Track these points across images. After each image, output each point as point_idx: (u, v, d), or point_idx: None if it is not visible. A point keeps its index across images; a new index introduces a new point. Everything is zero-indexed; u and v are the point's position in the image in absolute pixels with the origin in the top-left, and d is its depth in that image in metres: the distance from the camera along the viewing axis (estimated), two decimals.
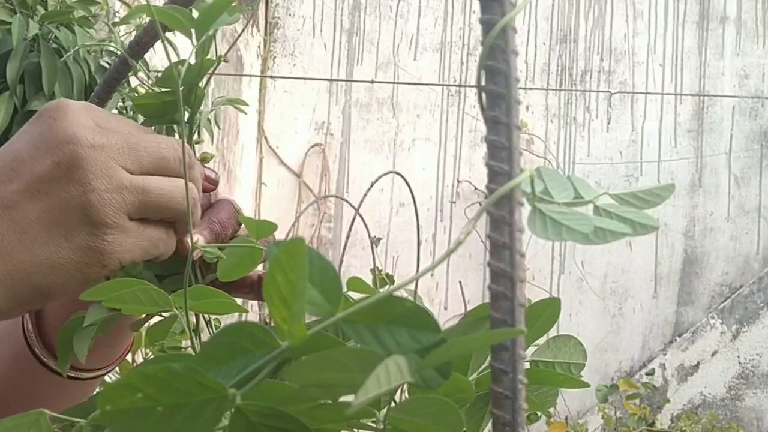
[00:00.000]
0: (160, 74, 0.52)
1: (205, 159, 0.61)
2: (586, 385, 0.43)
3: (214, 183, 0.62)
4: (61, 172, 0.48)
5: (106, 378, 0.69)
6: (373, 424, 0.36)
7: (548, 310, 0.39)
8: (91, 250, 0.48)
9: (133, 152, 0.50)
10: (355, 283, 0.51)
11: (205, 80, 0.55)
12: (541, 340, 0.42)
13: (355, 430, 0.37)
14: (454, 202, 5.14)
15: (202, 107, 0.57)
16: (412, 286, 0.62)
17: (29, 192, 0.48)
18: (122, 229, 0.49)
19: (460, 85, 5.18)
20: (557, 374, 0.42)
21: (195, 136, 0.59)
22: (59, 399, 0.63)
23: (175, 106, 0.54)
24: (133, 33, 2.50)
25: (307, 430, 0.28)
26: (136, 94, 2.34)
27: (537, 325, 0.40)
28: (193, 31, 0.50)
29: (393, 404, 0.33)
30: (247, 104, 0.71)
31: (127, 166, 0.50)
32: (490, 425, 0.28)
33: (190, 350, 0.52)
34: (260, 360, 0.29)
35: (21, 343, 0.63)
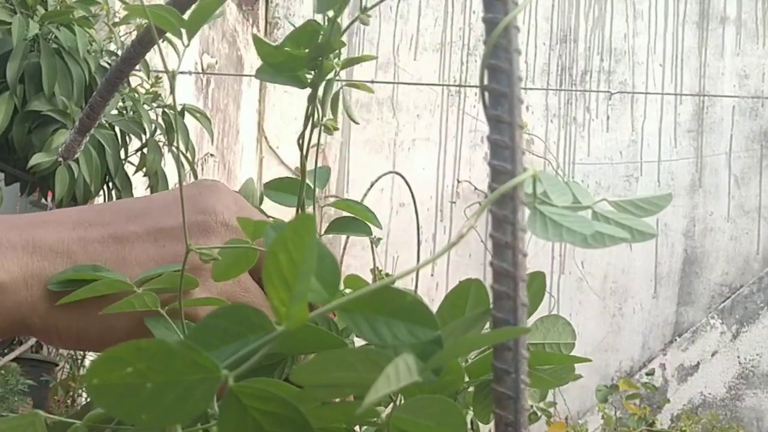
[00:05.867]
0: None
1: (327, 128, 0.58)
2: (587, 359, 0.43)
3: None
4: (186, 233, 0.49)
5: None
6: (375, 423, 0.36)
7: (534, 284, 0.39)
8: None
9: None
10: (353, 282, 0.50)
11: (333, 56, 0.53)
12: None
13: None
14: (454, 202, 5.14)
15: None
16: (412, 285, 0.61)
17: (146, 235, 0.49)
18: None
19: (460, 85, 5.18)
20: (556, 353, 0.42)
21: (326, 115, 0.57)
22: None
23: (298, 62, 0.52)
24: (134, 33, 2.50)
25: (300, 415, 0.27)
26: (136, 94, 2.34)
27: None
28: (183, 31, 0.49)
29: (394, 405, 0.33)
30: (371, 91, 0.69)
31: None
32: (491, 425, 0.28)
33: None
34: (253, 345, 0.27)
35: None
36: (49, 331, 0.47)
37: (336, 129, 0.58)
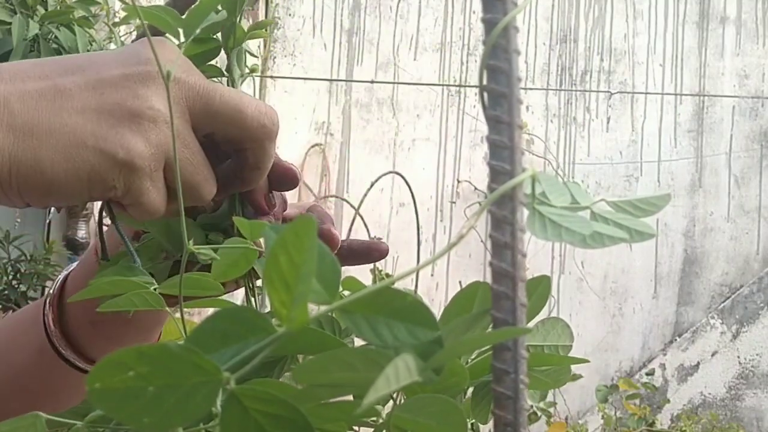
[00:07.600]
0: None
1: (254, 70, 0.59)
2: (586, 360, 0.43)
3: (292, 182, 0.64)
4: (127, 83, 0.47)
5: None
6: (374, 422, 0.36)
7: (539, 288, 0.39)
8: (114, 163, 0.46)
9: (208, 96, 0.49)
10: (351, 284, 0.50)
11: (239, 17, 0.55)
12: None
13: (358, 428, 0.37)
14: (454, 202, 5.14)
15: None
16: (412, 286, 0.61)
17: (87, 86, 0.47)
18: (153, 169, 0.48)
19: (460, 85, 5.18)
20: (555, 354, 0.42)
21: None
22: (82, 394, 0.63)
23: (213, 53, 0.54)
24: (134, 33, 2.50)
25: (302, 417, 0.27)
26: None
27: (530, 304, 0.40)
28: (180, 31, 0.50)
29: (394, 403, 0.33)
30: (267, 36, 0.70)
31: (194, 112, 0.49)
32: (491, 424, 0.28)
33: None
34: (254, 347, 0.27)
35: (44, 337, 0.63)
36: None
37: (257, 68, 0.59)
